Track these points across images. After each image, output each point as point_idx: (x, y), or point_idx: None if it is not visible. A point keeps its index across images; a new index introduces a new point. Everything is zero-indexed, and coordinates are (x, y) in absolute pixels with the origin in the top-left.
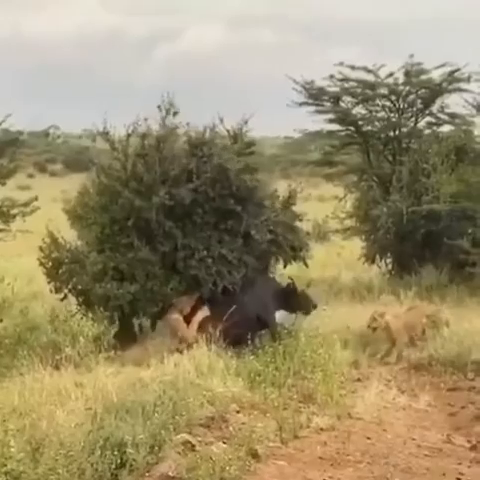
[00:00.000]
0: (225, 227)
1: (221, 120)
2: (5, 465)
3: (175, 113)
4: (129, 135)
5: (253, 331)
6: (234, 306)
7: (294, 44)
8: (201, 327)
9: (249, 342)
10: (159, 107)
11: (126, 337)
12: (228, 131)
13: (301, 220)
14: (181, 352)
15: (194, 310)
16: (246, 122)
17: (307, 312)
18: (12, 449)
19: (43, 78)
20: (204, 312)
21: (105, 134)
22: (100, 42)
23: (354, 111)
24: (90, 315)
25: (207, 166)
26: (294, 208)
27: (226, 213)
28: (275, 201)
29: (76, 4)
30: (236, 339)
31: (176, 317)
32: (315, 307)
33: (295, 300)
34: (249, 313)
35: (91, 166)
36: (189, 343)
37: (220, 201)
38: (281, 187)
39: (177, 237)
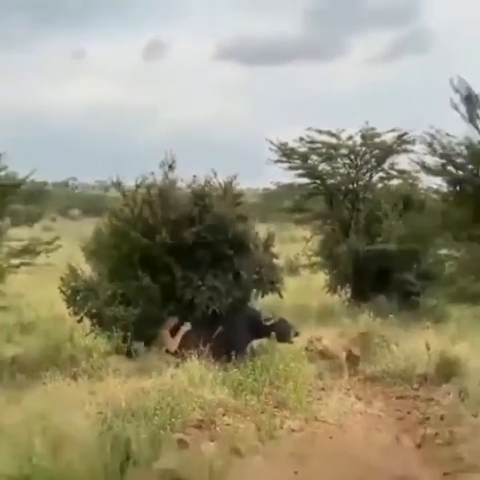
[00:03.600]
0: (219, 266)
1: (215, 174)
2: (31, 460)
3: (171, 167)
4: (138, 186)
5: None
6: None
7: (270, 114)
8: (184, 339)
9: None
10: (163, 163)
11: (130, 353)
12: (220, 184)
13: (278, 259)
14: (177, 365)
15: (177, 328)
16: (235, 177)
17: (286, 340)
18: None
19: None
20: (186, 327)
21: (118, 184)
22: (106, 111)
23: (320, 167)
24: (103, 334)
25: (208, 215)
26: (272, 248)
27: (221, 255)
28: (258, 243)
29: (86, 78)
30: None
31: (165, 332)
32: (297, 334)
33: (271, 329)
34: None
35: (105, 211)
36: (172, 352)
37: (217, 246)
38: (260, 230)
39: (176, 270)
